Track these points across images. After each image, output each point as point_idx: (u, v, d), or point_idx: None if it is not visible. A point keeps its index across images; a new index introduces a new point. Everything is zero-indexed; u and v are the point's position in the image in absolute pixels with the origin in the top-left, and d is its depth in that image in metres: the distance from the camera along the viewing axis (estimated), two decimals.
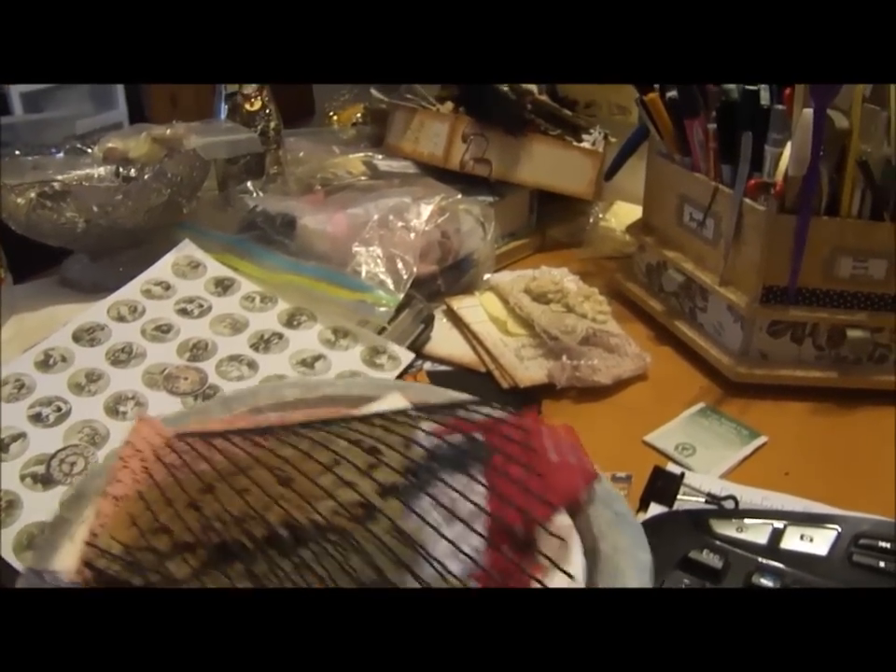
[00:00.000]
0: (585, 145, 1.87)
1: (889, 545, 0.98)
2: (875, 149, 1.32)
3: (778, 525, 1.01)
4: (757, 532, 1.00)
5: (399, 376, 1.35)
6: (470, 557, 0.75)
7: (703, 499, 1.14)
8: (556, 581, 0.77)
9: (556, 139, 1.85)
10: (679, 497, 1.14)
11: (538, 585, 0.75)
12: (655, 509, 1.12)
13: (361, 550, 0.74)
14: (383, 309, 1.43)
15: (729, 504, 1.12)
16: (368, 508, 0.77)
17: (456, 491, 0.79)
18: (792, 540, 0.99)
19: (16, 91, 4.33)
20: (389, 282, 1.48)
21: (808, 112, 1.26)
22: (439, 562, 0.74)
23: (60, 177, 1.52)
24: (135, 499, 0.84)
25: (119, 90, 4.92)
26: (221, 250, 1.52)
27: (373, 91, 2.05)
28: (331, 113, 2.25)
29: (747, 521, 1.02)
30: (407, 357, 1.37)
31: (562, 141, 1.85)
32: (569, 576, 0.78)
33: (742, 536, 1.00)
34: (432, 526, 0.76)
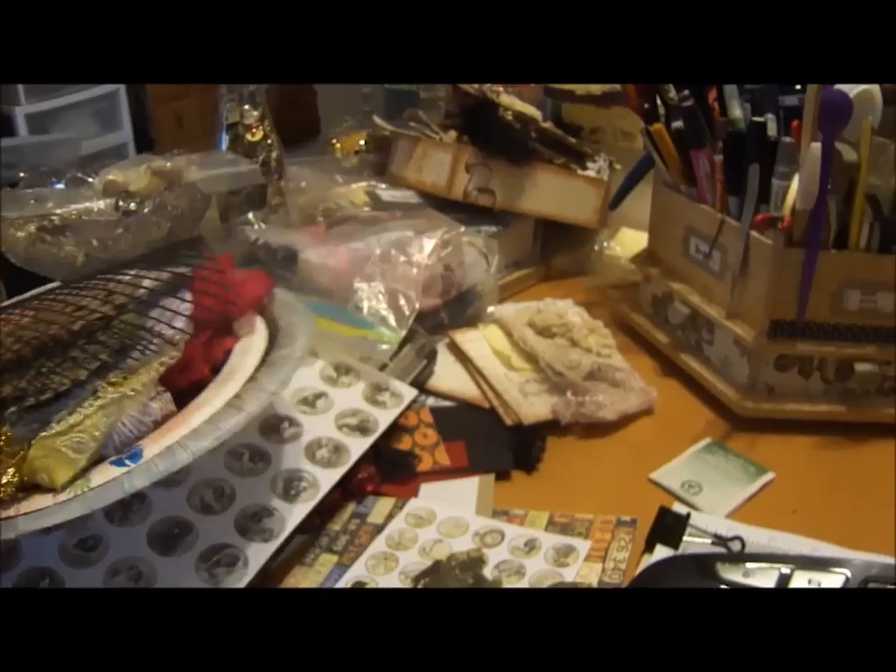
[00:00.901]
0: (590, 173, 1.88)
1: None
2: (885, 182, 1.32)
3: (786, 569, 1.00)
4: (764, 577, 0.99)
5: (402, 414, 1.34)
6: (182, 331, 1.09)
7: (709, 540, 1.13)
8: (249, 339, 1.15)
9: (561, 168, 1.84)
10: (685, 538, 1.14)
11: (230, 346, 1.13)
12: (661, 550, 1.12)
13: (104, 342, 1.05)
14: (385, 347, 1.43)
15: (735, 545, 1.11)
16: (107, 319, 1.09)
17: (173, 300, 1.14)
18: (800, 585, 0.98)
19: (21, 113, 4.39)
20: (391, 318, 1.47)
21: (816, 145, 1.25)
22: (161, 335, 1.07)
23: (59, 211, 1.51)
24: None
25: (125, 111, 4.97)
26: None
27: (376, 119, 2.05)
28: (334, 140, 2.25)
29: (753, 565, 1.01)
30: (410, 393, 1.37)
31: (566, 170, 1.85)
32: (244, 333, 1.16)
33: (748, 581, 0.99)
34: (156, 319, 1.10)
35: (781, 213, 1.35)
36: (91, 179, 1.66)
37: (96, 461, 0.94)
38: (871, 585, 0.97)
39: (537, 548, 1.12)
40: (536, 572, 1.08)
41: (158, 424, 0.99)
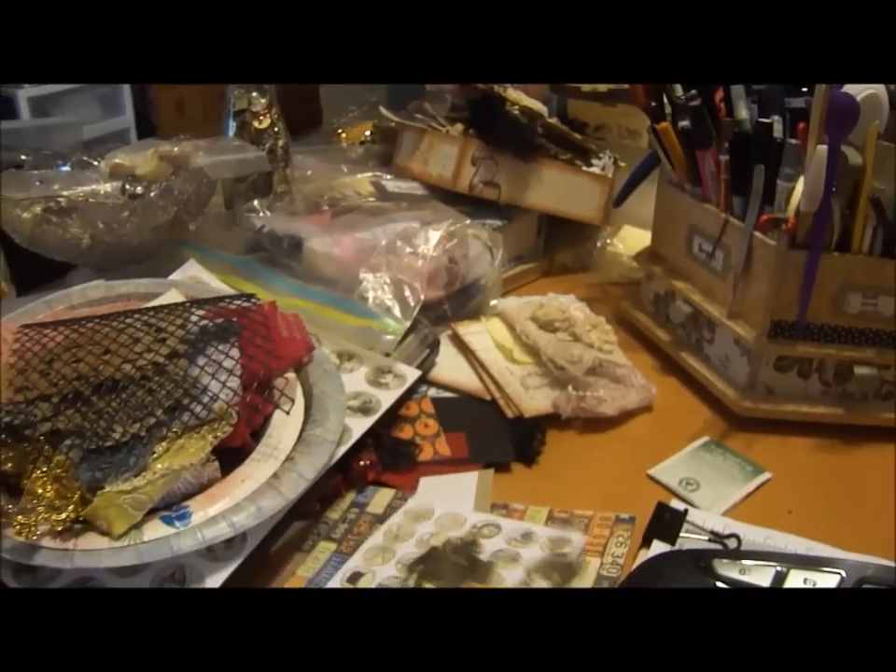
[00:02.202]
0: (595, 170, 1.88)
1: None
2: (889, 186, 1.32)
3: (782, 568, 1.00)
4: (760, 575, 0.99)
5: (404, 396, 1.35)
6: (233, 391, 1.12)
7: (706, 537, 1.14)
8: (286, 406, 1.18)
9: (566, 164, 1.85)
10: (682, 534, 1.14)
11: (278, 409, 1.18)
12: (658, 546, 1.12)
13: (157, 391, 1.09)
14: (389, 337, 1.43)
15: (732, 543, 1.12)
16: (160, 366, 1.11)
17: (222, 353, 1.16)
18: (796, 584, 0.98)
19: (24, 96, 4.40)
20: (396, 309, 1.47)
21: (822, 148, 1.25)
22: (214, 393, 1.10)
23: (66, 193, 1.52)
24: (2, 372, 1.12)
25: (127, 96, 4.98)
26: (227, 271, 1.53)
27: (382, 110, 2.05)
28: (340, 130, 2.26)
29: (749, 563, 1.01)
30: (413, 374, 1.38)
31: (572, 166, 1.85)
32: (292, 400, 1.19)
33: (745, 578, 0.99)
34: (209, 374, 1.12)
35: (785, 214, 1.35)
36: (96, 163, 1.66)
37: (149, 511, 1.01)
38: (865, 586, 0.97)
39: (533, 540, 1.12)
40: (530, 559, 1.08)
41: (204, 487, 1.07)
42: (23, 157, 1.70)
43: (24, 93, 4.43)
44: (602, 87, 2.07)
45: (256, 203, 1.75)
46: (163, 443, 1.04)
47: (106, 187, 1.56)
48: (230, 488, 1.06)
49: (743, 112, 1.44)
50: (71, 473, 1.00)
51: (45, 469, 1.00)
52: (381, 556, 1.11)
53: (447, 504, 1.21)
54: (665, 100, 1.55)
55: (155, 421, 1.05)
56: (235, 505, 1.04)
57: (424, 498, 1.23)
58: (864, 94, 1.28)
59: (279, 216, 1.71)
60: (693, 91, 1.47)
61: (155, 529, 1.00)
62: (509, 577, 1.05)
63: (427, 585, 1.05)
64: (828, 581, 0.98)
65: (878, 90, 1.30)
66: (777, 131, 1.39)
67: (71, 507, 0.98)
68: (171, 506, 1.03)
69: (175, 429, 1.06)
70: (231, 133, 1.82)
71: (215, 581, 1.02)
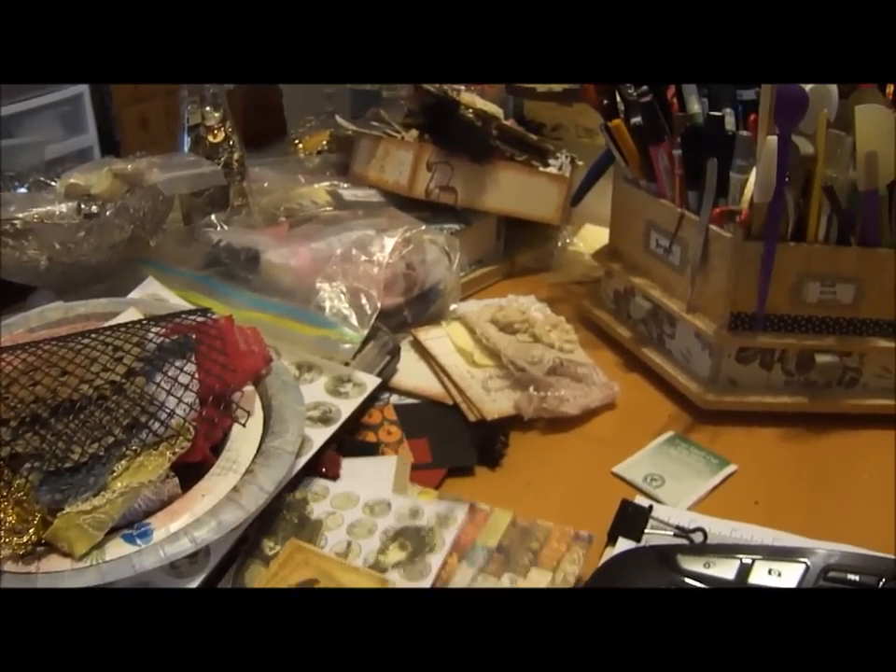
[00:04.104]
0: (552, 170, 1.88)
1: (857, 577, 0.98)
2: (841, 174, 1.34)
3: (747, 560, 1.01)
4: (725, 568, 1.00)
5: (364, 405, 1.36)
6: (190, 406, 1.13)
7: (671, 532, 1.14)
8: (242, 418, 1.17)
9: (522, 165, 1.85)
10: (647, 530, 1.15)
11: (236, 423, 1.17)
12: (623, 543, 1.13)
13: (114, 410, 1.09)
14: (347, 346, 1.43)
15: (698, 537, 1.13)
16: (117, 384, 1.12)
17: (178, 369, 1.16)
18: (760, 575, 0.99)
19: None
20: (353, 318, 1.48)
21: (773, 139, 1.27)
22: (171, 410, 1.10)
23: (21, 215, 1.51)
24: None
25: (89, 114, 4.91)
26: (185, 287, 1.53)
27: (339, 119, 2.06)
28: (297, 140, 2.26)
29: (714, 556, 1.02)
30: (373, 382, 1.38)
31: (528, 167, 1.86)
32: (248, 412, 1.19)
33: (709, 572, 1.00)
34: (165, 390, 1.13)
35: (740, 206, 1.37)
36: (53, 183, 1.67)
37: (110, 530, 1.02)
38: (830, 574, 0.98)
39: (420, 514, 1.17)
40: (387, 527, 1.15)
41: (165, 503, 1.07)
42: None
43: None
44: (557, 87, 2.09)
45: (213, 217, 1.75)
46: (122, 462, 1.05)
47: (62, 207, 1.57)
48: (190, 503, 1.06)
49: (695, 106, 1.46)
50: (31, 496, 1.00)
51: (5, 493, 1.01)
52: None
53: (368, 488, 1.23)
54: (618, 97, 1.55)
55: (113, 440, 1.06)
56: (196, 520, 1.04)
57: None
58: (813, 84, 1.30)
59: (237, 229, 1.72)
60: (645, 88, 1.49)
61: (117, 548, 1.01)
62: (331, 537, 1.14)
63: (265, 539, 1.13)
64: (793, 570, 0.99)
65: None
66: (729, 123, 1.42)
67: (32, 530, 0.99)
68: (132, 524, 1.04)
69: (133, 447, 1.06)
70: (186, 148, 1.82)
71: None
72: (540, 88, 2.11)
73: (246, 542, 1.12)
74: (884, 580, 0.98)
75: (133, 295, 1.47)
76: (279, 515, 1.16)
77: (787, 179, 1.31)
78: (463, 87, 1.89)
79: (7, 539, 0.98)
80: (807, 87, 1.29)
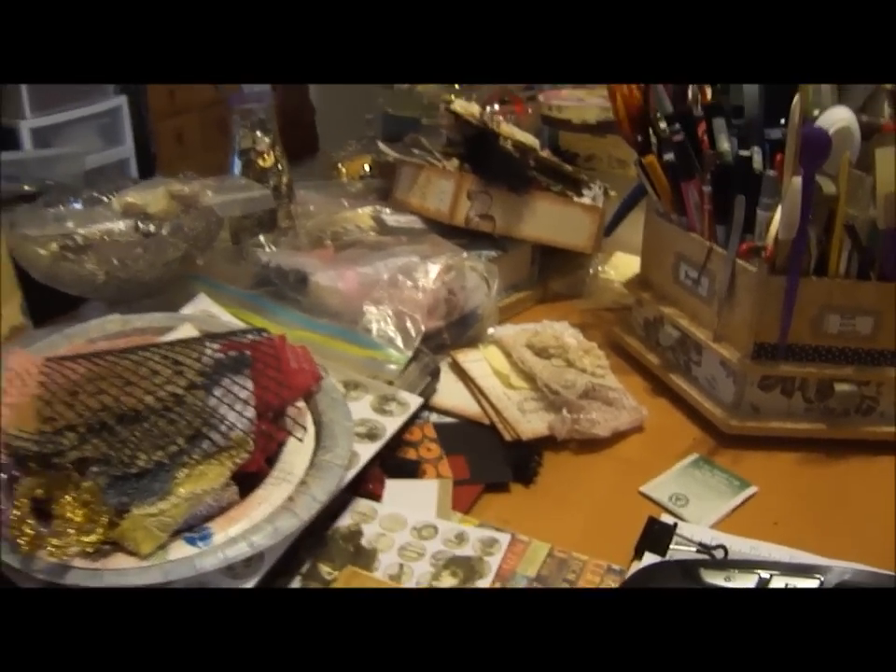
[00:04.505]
0: (586, 200, 1.91)
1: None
2: (862, 213, 1.37)
3: (765, 574, 1.05)
4: (744, 581, 1.05)
5: (407, 422, 1.39)
6: (249, 420, 1.17)
7: (694, 549, 1.18)
8: (299, 433, 1.23)
9: (558, 195, 1.88)
10: (671, 546, 1.18)
11: (291, 437, 1.23)
12: (649, 557, 1.17)
13: (177, 421, 1.14)
14: (392, 366, 1.47)
15: (719, 553, 1.16)
16: (179, 397, 1.17)
17: (237, 384, 1.21)
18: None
19: (26, 126, 4.35)
20: (399, 340, 1.51)
21: (797, 179, 1.30)
22: (230, 422, 1.16)
23: (82, 231, 1.57)
24: (27, 404, 1.16)
25: (127, 126, 4.94)
26: (236, 304, 1.57)
27: (381, 145, 2.10)
28: (339, 164, 2.29)
29: (734, 571, 1.06)
30: (415, 402, 1.41)
31: (563, 197, 1.89)
32: (304, 428, 1.25)
33: (729, 585, 1.04)
34: (226, 404, 1.18)
35: (765, 242, 1.40)
36: (105, 199, 1.70)
37: (173, 533, 1.07)
38: (843, 579, 1.03)
39: (465, 540, 1.21)
40: (436, 552, 1.19)
41: (224, 509, 1.13)
42: (27, 187, 1.76)
43: (27, 124, 4.43)
44: (591, 119, 2.13)
45: (261, 238, 1.78)
46: (185, 469, 1.10)
47: (120, 224, 1.61)
48: (248, 510, 1.11)
49: (724, 145, 1.50)
50: (98, 498, 1.05)
51: (74, 494, 1.05)
52: None
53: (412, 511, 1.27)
54: (651, 134, 1.58)
55: (177, 449, 1.11)
56: (253, 526, 1.09)
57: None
58: (836, 128, 1.33)
59: (284, 250, 1.75)
60: (677, 126, 1.52)
61: (179, 549, 1.06)
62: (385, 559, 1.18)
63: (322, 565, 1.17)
64: (808, 585, 1.04)
65: (850, 122, 1.34)
66: (757, 162, 1.45)
67: (100, 529, 1.03)
68: (193, 527, 1.09)
69: (195, 456, 1.11)
70: (237, 171, 1.86)
71: None
72: (575, 119, 2.15)
73: (304, 566, 1.16)
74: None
75: (186, 310, 1.50)
76: (336, 544, 1.19)
77: (810, 217, 1.33)
78: (502, 118, 1.93)
79: (76, 537, 1.01)
80: (831, 130, 1.31)
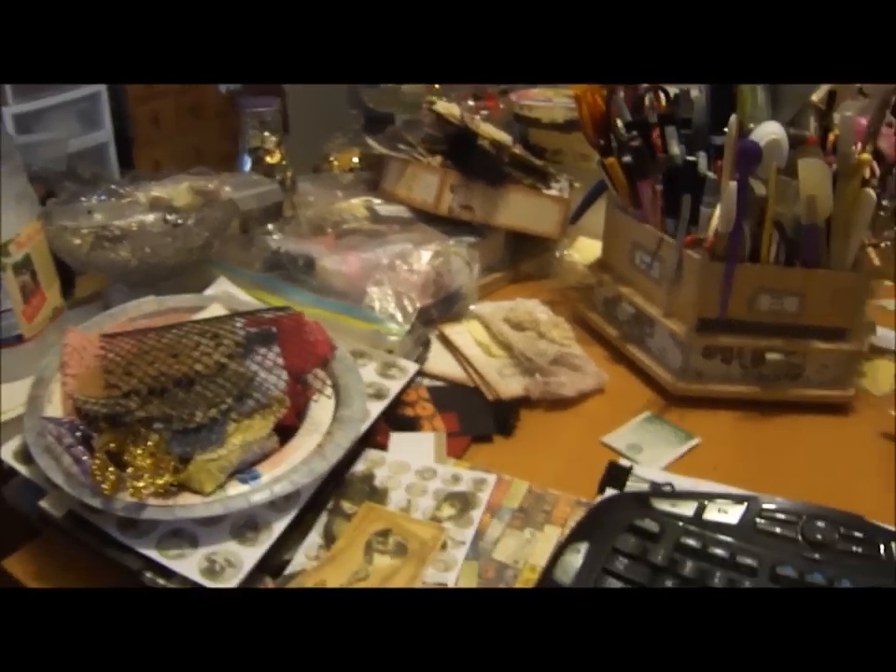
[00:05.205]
0: (553, 192, 2.04)
1: (784, 516, 1.19)
2: (788, 210, 1.49)
3: (704, 502, 1.21)
4: (686, 507, 1.20)
5: (406, 385, 1.50)
6: (285, 381, 1.32)
7: (647, 486, 1.32)
8: (326, 392, 1.39)
9: (529, 188, 2.01)
10: (628, 484, 1.31)
11: (315, 398, 1.38)
12: (610, 492, 1.30)
13: (224, 385, 1.27)
14: (393, 338, 1.59)
15: (667, 489, 1.31)
16: (222, 365, 1.29)
17: (270, 352, 1.34)
18: (712, 512, 1.19)
19: (8, 113, 4.17)
20: (398, 315, 1.64)
21: (733, 183, 1.41)
22: (269, 384, 1.31)
23: (118, 223, 1.68)
24: (90, 374, 1.30)
25: (105, 111, 4.76)
26: (251, 286, 1.66)
27: (369, 140, 2.20)
28: (331, 157, 2.36)
29: (678, 500, 1.22)
30: (412, 367, 1.52)
31: (534, 189, 2.01)
32: (329, 385, 1.40)
33: (674, 510, 1.20)
34: (264, 369, 1.32)
35: (707, 234, 1.52)
36: (122, 191, 1.81)
37: (229, 475, 1.23)
38: (763, 513, 1.19)
39: (460, 479, 1.35)
40: (436, 489, 1.33)
41: (266, 455, 1.28)
42: (37, 173, 1.80)
43: (9, 110, 4.39)
44: (559, 118, 2.23)
45: (269, 226, 1.89)
46: (235, 423, 1.24)
47: (150, 217, 1.72)
48: (286, 456, 1.27)
49: (675, 149, 1.61)
50: (163, 449, 1.17)
51: (143, 447, 1.17)
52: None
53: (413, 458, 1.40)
54: (612, 138, 1.70)
55: (227, 407, 1.24)
56: (292, 468, 1.24)
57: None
58: (767, 140, 1.44)
59: (290, 237, 1.86)
60: (634, 132, 1.65)
61: (235, 488, 1.20)
62: (395, 496, 1.32)
63: (344, 502, 1.31)
64: (736, 509, 1.20)
65: (779, 135, 1.45)
66: (702, 166, 1.55)
67: (167, 474, 1.16)
68: (244, 470, 1.23)
69: (243, 412, 1.26)
70: (247, 167, 2.00)
71: (279, 526, 1.19)
72: (544, 119, 2.25)
73: (329, 503, 1.29)
74: (804, 517, 1.18)
75: (210, 292, 1.59)
76: (354, 485, 1.33)
77: (745, 214, 1.45)
78: (479, 117, 2.07)
79: (150, 480, 1.14)
80: (762, 142, 1.42)
